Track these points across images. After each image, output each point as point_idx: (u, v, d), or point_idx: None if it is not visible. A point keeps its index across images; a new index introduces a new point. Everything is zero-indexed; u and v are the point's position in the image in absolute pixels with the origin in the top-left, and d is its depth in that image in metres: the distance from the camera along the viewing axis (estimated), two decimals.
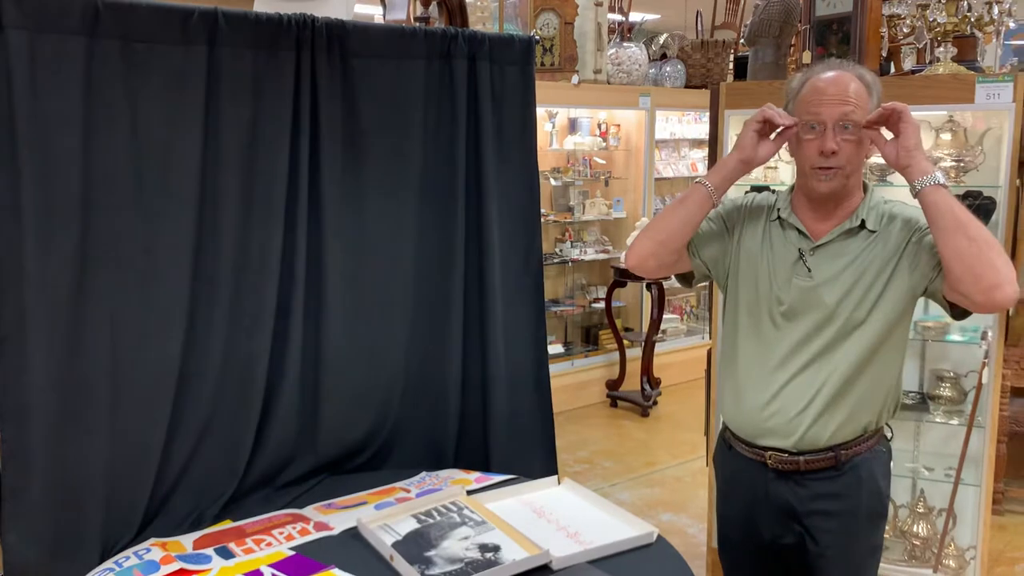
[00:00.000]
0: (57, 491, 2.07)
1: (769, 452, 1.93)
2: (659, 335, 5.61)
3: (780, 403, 1.90)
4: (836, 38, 3.04)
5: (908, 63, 3.64)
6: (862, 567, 1.97)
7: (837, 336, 1.87)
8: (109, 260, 2.12)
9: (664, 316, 5.60)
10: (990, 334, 2.84)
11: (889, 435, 2.00)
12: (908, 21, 3.13)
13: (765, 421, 1.92)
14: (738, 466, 2.03)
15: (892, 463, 2.96)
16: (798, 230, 1.92)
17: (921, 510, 3.09)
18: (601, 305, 5.77)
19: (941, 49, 2.93)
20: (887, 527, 3.12)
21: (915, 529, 3.10)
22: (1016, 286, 1.70)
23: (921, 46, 3.35)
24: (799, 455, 1.90)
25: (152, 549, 2.05)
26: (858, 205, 1.89)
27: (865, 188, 1.95)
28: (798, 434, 1.89)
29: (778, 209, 1.97)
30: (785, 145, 1.96)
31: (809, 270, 1.89)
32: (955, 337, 2.97)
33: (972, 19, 2.92)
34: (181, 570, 1.93)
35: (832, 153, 1.80)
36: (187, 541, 2.12)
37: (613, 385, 5.71)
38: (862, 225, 1.88)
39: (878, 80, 1.88)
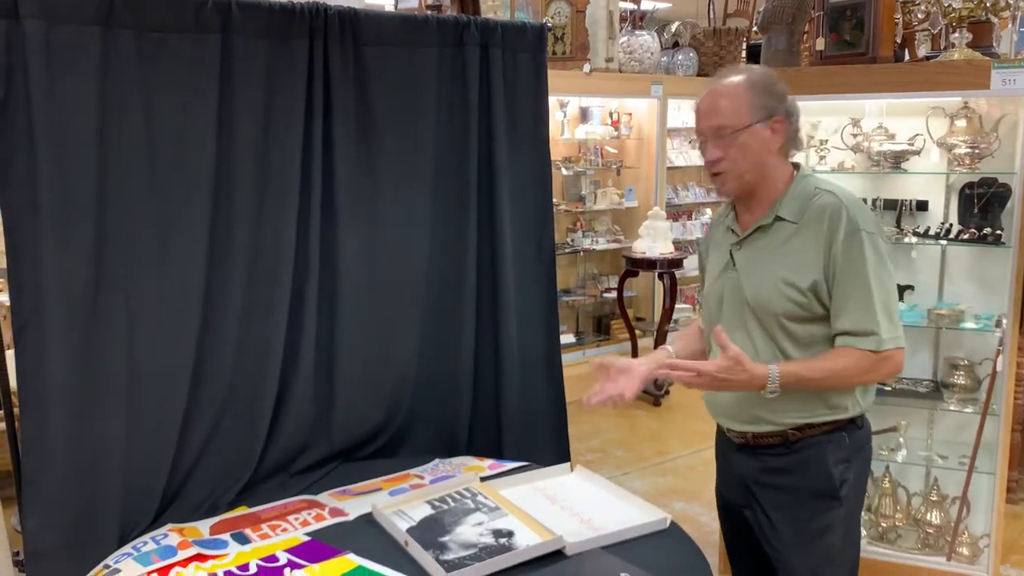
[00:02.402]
0: (75, 477, 2.10)
1: (728, 428, 2.07)
2: (671, 324, 5.60)
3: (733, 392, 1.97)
4: (850, 24, 3.02)
5: (923, 50, 3.61)
6: (813, 546, 1.98)
7: (765, 326, 1.93)
8: (125, 249, 2.14)
9: (676, 305, 5.59)
10: (1004, 321, 2.83)
11: (860, 424, 2.01)
12: (923, 7, 3.11)
13: (722, 406, 2.05)
14: (719, 438, 2.17)
15: (896, 455, 2.95)
16: (731, 229, 2.03)
17: (934, 498, 3.09)
18: (613, 295, 5.77)
19: (956, 35, 2.90)
20: (900, 516, 3.13)
21: (928, 517, 3.09)
22: (894, 346, 1.84)
23: (936, 32, 3.32)
24: (748, 432, 2.00)
25: (169, 534, 2.07)
26: (776, 197, 1.95)
27: (795, 176, 1.97)
28: (744, 416, 1.99)
29: (725, 216, 2.09)
30: None
31: (734, 264, 1.99)
32: (969, 324, 2.96)
33: (988, 4, 2.89)
34: (198, 555, 1.95)
35: (716, 161, 1.91)
36: (204, 527, 2.14)
37: None
38: (777, 218, 1.93)
39: (768, 77, 1.92)
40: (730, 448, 2.09)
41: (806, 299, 1.87)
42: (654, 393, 5.47)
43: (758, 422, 1.97)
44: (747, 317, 1.95)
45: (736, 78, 1.92)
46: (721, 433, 2.14)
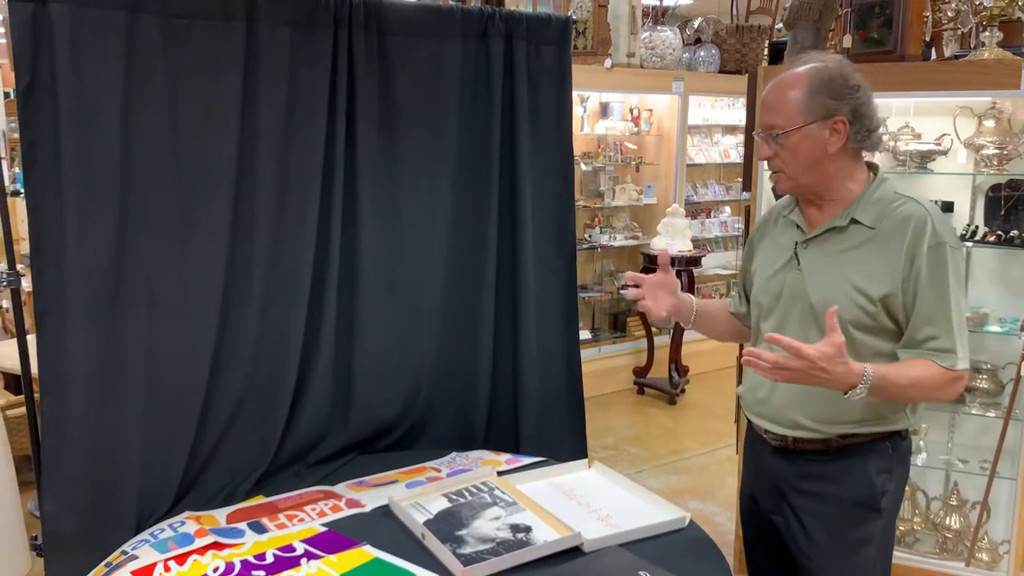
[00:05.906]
0: (95, 462, 2.10)
1: (765, 430, 1.97)
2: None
3: (774, 392, 1.92)
4: (878, 22, 2.97)
5: (950, 48, 3.56)
6: (851, 558, 1.91)
7: (824, 331, 1.79)
8: (147, 235, 2.14)
9: None
10: None
11: (904, 435, 1.94)
12: (953, 5, 3.07)
13: (760, 406, 1.97)
14: (751, 438, 2.09)
15: (916, 459, 2.87)
16: (797, 225, 1.93)
17: (954, 503, 3.05)
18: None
19: (987, 34, 2.86)
20: (919, 520, 3.10)
21: (948, 522, 3.06)
22: (965, 367, 1.79)
23: (966, 30, 3.28)
24: (788, 436, 1.92)
25: (187, 522, 2.07)
26: (853, 198, 1.85)
27: (874, 178, 1.87)
28: (789, 421, 1.90)
29: (785, 208, 2.00)
30: None
31: (799, 263, 1.89)
32: (993, 328, 2.92)
33: (1020, 3, 2.85)
34: (215, 543, 1.95)
35: (768, 158, 1.86)
36: (221, 515, 2.14)
37: (640, 372, 5.68)
38: (853, 221, 1.83)
39: (835, 73, 1.80)
40: (764, 450, 1.99)
41: (875, 308, 1.78)
42: (669, 391, 5.44)
43: (799, 428, 1.88)
44: (807, 319, 1.85)
45: (800, 70, 1.81)
46: (754, 433, 2.04)
